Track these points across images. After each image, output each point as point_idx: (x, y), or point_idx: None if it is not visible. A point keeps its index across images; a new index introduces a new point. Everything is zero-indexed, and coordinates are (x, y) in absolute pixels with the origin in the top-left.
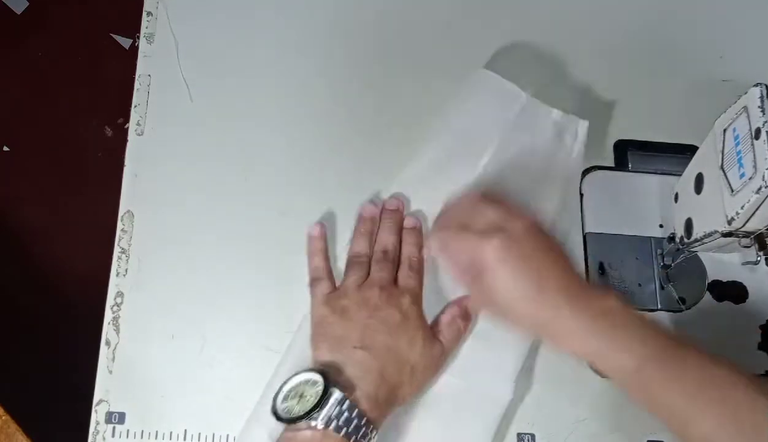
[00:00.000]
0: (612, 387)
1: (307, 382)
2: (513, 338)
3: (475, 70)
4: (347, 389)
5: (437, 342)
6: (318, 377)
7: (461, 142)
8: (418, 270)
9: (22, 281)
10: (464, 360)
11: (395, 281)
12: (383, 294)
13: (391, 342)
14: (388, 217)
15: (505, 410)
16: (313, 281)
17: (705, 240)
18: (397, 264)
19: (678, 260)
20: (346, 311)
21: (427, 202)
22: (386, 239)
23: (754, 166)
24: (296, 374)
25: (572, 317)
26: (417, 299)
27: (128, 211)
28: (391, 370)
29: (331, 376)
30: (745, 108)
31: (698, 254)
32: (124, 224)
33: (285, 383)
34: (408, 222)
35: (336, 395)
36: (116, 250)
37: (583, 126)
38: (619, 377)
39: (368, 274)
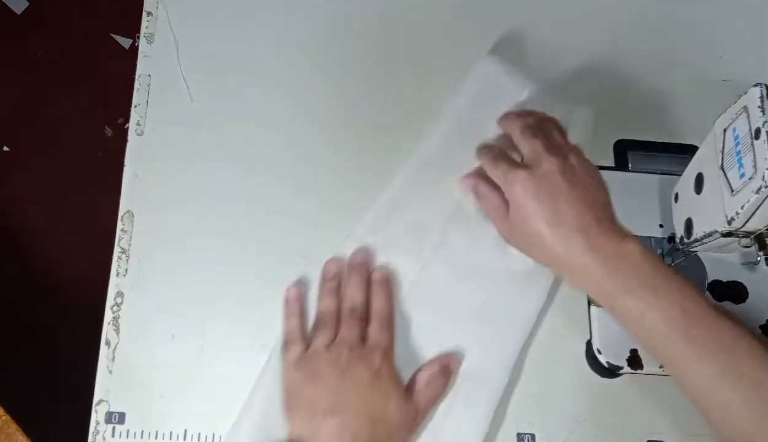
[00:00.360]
0: (612, 388)
1: None
2: (511, 323)
3: (481, 57)
4: None
5: (411, 403)
6: None
7: (465, 131)
8: (389, 325)
9: (22, 281)
10: (461, 343)
11: (365, 338)
12: (353, 353)
13: (363, 403)
14: (355, 272)
15: (501, 395)
16: (285, 344)
17: (705, 240)
18: (366, 320)
19: (678, 260)
20: (315, 374)
21: (432, 192)
22: (354, 295)
23: (754, 166)
24: None
25: (584, 254)
26: (388, 354)
27: (128, 211)
28: (366, 433)
29: None
30: (745, 108)
31: (698, 254)
32: (124, 224)
33: None
34: (376, 276)
35: None
36: (116, 250)
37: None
38: (624, 320)
39: (337, 332)
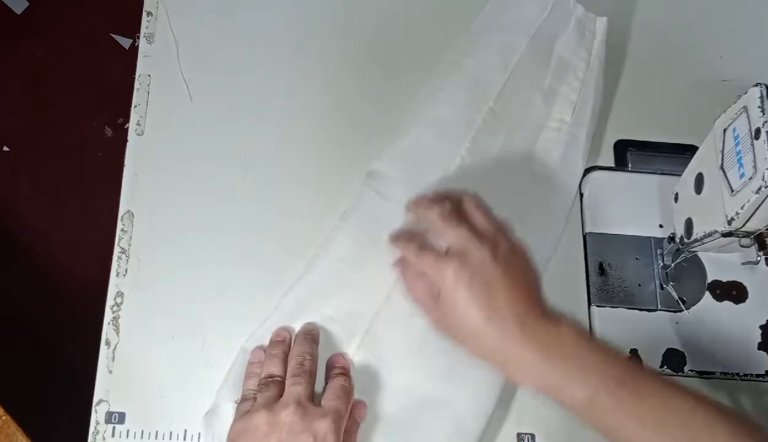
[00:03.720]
0: None
1: None
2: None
3: None
4: None
5: None
6: None
7: (492, 49)
8: (345, 390)
9: (22, 282)
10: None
11: (313, 398)
12: (298, 412)
13: None
14: (305, 332)
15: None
16: (242, 400)
17: (705, 240)
18: (314, 377)
19: (678, 260)
20: (256, 433)
21: (357, 280)
22: (302, 349)
23: (754, 167)
24: None
25: (522, 345)
26: (339, 421)
27: (128, 211)
28: None
29: None
30: (745, 108)
31: (698, 254)
32: (124, 224)
33: None
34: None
35: None
36: (116, 250)
37: (601, 23)
38: (573, 408)
39: (282, 392)
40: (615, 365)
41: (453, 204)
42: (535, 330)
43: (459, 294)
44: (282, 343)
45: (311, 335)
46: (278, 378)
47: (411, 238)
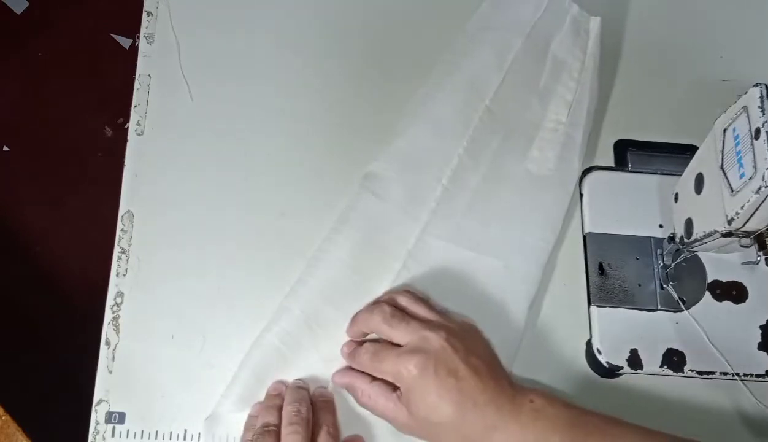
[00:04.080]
0: (612, 388)
1: None
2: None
3: None
4: None
5: None
6: None
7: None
8: (336, 438)
9: (22, 281)
10: (496, 241)
11: None
12: None
13: None
14: (297, 385)
15: (536, 288)
16: (246, 427)
17: (705, 240)
18: (310, 427)
19: (678, 260)
20: None
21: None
22: (296, 396)
23: (754, 166)
24: None
25: (503, 427)
26: None
27: (128, 211)
28: None
29: None
30: (745, 108)
31: (698, 254)
32: (124, 224)
33: None
34: (319, 392)
35: None
36: (116, 250)
37: (595, 22)
38: None
39: None
40: (591, 424)
41: (391, 306)
42: (512, 409)
43: (428, 387)
44: (278, 396)
45: (305, 389)
46: (273, 428)
47: (358, 346)
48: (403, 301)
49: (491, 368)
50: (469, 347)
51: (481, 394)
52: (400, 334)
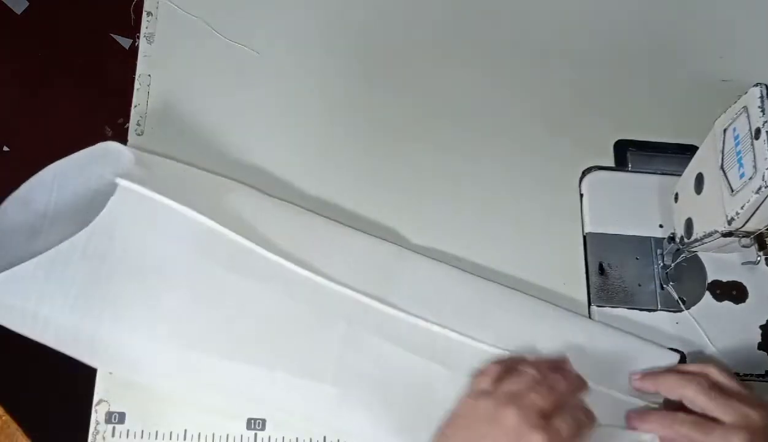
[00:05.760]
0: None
1: None
2: None
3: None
4: None
5: None
6: None
7: None
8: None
9: None
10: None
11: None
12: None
13: None
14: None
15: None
16: (485, 370)
17: (705, 240)
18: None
19: (678, 260)
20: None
21: None
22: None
23: (754, 167)
24: None
25: None
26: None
27: None
28: None
29: None
30: (745, 108)
31: (698, 254)
32: None
33: None
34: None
35: None
36: None
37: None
38: None
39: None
40: None
41: (706, 379)
42: None
43: None
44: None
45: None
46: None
47: (676, 414)
48: (719, 376)
49: None
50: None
51: None
52: (721, 409)
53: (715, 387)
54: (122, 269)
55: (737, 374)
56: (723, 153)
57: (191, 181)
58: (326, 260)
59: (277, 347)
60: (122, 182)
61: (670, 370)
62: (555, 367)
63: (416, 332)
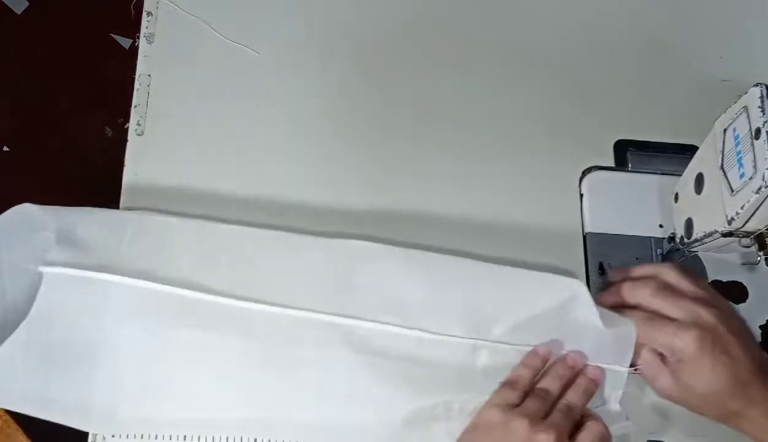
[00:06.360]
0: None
1: None
2: None
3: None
4: None
5: None
6: None
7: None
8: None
9: None
10: None
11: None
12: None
13: None
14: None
15: None
16: (507, 384)
17: (705, 240)
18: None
19: (678, 260)
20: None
21: None
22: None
23: (754, 166)
24: None
25: (761, 404)
26: None
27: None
28: None
29: None
30: (745, 108)
31: (698, 254)
32: None
33: None
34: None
35: None
36: None
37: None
38: None
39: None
40: None
41: (659, 280)
42: None
43: (703, 362)
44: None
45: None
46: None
47: (640, 312)
48: (671, 276)
49: (755, 348)
50: (737, 326)
51: (749, 373)
52: (673, 308)
53: (667, 287)
54: (71, 353)
55: None
56: (723, 153)
57: (123, 236)
58: (275, 287)
59: (251, 387)
60: (47, 270)
61: (624, 278)
62: (572, 372)
63: (385, 336)
